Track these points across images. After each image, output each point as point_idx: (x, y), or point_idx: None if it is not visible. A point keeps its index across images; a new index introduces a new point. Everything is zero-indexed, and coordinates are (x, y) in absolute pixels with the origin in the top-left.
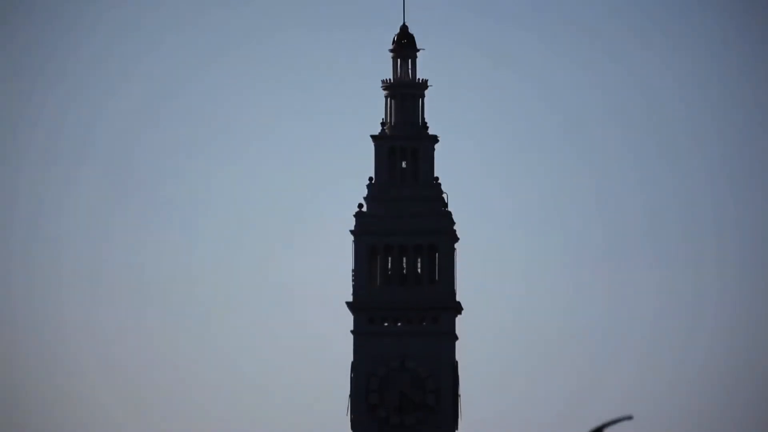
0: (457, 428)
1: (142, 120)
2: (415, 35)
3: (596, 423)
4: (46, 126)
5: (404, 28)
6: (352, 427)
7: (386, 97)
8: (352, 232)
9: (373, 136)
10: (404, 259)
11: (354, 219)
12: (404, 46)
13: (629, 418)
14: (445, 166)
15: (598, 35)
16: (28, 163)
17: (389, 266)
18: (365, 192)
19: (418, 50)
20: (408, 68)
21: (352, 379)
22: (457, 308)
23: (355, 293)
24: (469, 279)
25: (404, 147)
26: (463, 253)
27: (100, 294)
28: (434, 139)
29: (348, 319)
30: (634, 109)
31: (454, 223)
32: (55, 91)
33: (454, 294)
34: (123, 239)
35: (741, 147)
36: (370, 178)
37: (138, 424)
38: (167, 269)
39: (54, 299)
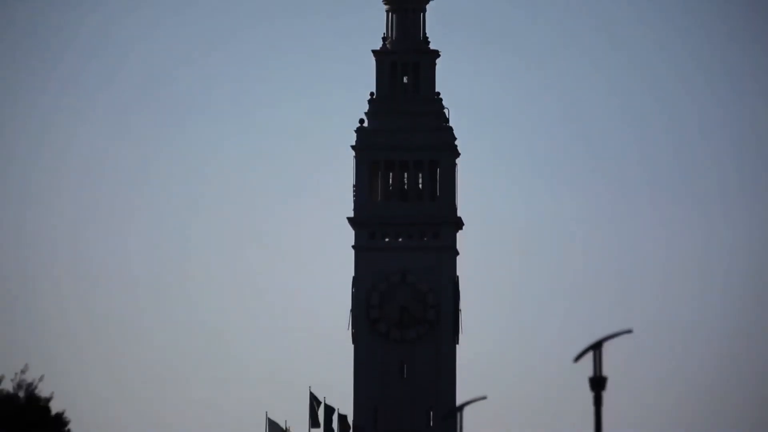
0: (457, 342)
1: None
2: None
3: (596, 337)
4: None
5: None
6: (354, 341)
7: (387, 12)
8: (353, 147)
9: (374, 51)
10: (405, 175)
11: (355, 134)
12: None
13: (629, 331)
14: (446, 82)
15: None
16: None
17: (390, 181)
18: (366, 107)
19: None
20: None
21: (353, 293)
22: (458, 223)
23: (356, 208)
24: (470, 194)
25: (405, 62)
26: (464, 168)
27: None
28: (435, 54)
29: (349, 235)
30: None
31: (455, 139)
32: (48, 78)
33: (455, 209)
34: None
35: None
36: (372, 94)
37: (146, 324)
38: (172, 188)
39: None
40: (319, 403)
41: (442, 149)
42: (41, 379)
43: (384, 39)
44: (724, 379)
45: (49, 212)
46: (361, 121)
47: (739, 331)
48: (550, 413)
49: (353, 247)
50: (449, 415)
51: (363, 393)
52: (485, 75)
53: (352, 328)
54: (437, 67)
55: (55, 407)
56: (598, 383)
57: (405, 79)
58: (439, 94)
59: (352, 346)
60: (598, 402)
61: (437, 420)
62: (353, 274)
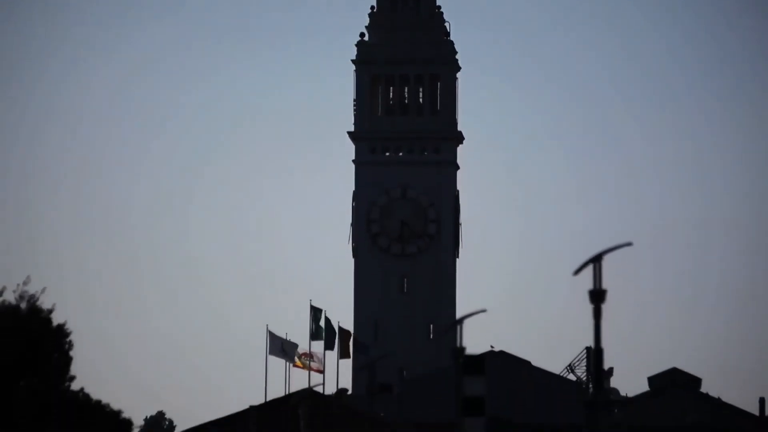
0: (457, 256)
1: None
2: None
3: (596, 250)
4: None
5: None
6: (354, 256)
7: None
8: (353, 61)
9: None
10: (406, 89)
11: (355, 48)
12: None
13: (629, 244)
14: None
15: None
16: None
17: (391, 96)
18: (367, 21)
19: None
20: None
21: (353, 208)
22: (459, 138)
23: (356, 123)
24: (470, 109)
25: None
26: (464, 82)
27: None
28: None
29: (349, 149)
30: None
31: (456, 53)
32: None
33: (455, 123)
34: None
35: None
36: (372, 7)
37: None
38: (177, 99)
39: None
40: (319, 316)
41: (443, 63)
42: (43, 291)
43: None
44: (724, 290)
45: (52, 129)
46: (362, 35)
47: (739, 243)
48: (549, 326)
49: (354, 161)
50: (449, 328)
51: (363, 306)
52: None
53: (353, 243)
54: None
55: (56, 319)
56: (597, 296)
57: None
58: (440, 7)
59: (353, 260)
60: (597, 314)
61: (437, 333)
62: (353, 189)
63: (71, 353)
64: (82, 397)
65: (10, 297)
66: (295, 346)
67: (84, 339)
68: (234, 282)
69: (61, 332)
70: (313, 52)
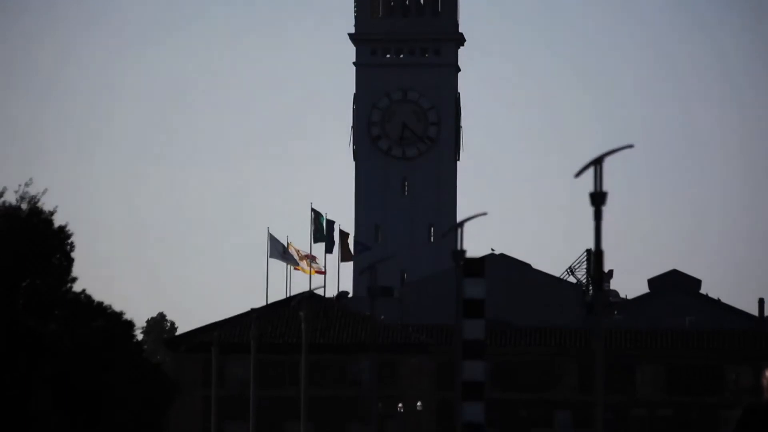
0: (458, 159)
1: None
2: None
3: (597, 152)
4: None
5: None
6: (355, 159)
7: None
8: None
9: None
10: None
11: None
12: None
13: (630, 146)
14: None
15: None
16: None
17: None
18: None
19: None
20: None
21: (354, 110)
22: (460, 40)
23: (357, 24)
24: (472, 10)
25: None
26: None
27: None
28: None
29: (350, 51)
30: None
31: None
32: None
33: (456, 25)
34: None
35: None
36: None
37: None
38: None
39: None
40: (320, 219)
41: None
42: (44, 192)
43: None
44: (724, 192)
45: (53, 30)
46: None
47: (739, 146)
48: (550, 229)
49: (354, 63)
50: (449, 231)
51: (364, 209)
52: None
53: (354, 145)
54: None
55: (58, 221)
56: (598, 198)
57: None
58: None
59: (354, 163)
60: (598, 217)
61: (437, 236)
62: (354, 91)
63: (72, 255)
64: (84, 298)
65: (11, 198)
66: (296, 261)
67: (85, 241)
68: (235, 185)
69: (63, 234)
70: None
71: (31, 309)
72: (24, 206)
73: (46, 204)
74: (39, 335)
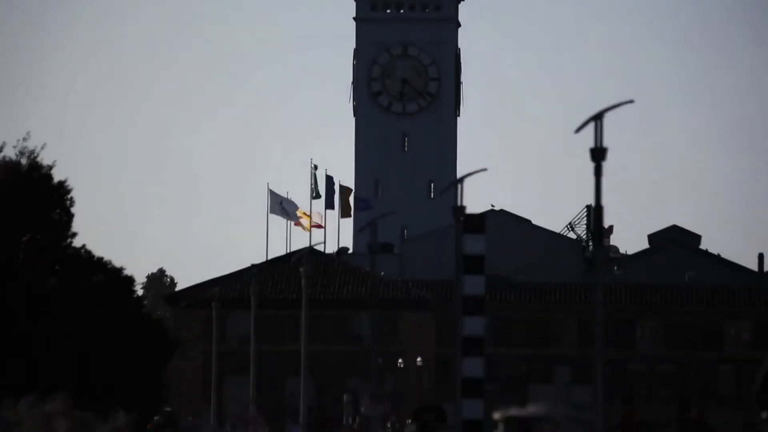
0: (458, 115)
1: None
2: None
3: (598, 108)
4: None
5: None
6: (355, 114)
7: None
8: None
9: None
10: None
11: None
12: None
13: (630, 101)
14: None
15: None
16: None
17: None
18: None
19: None
20: None
21: (354, 66)
22: None
23: None
24: None
25: None
26: None
27: None
28: None
29: (350, 6)
30: None
31: None
32: None
33: None
34: None
35: None
36: None
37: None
38: None
39: None
40: (317, 175)
41: None
42: (43, 147)
43: None
44: (725, 147)
45: None
46: None
47: (740, 100)
48: (550, 185)
49: (354, 18)
50: (449, 187)
51: (364, 165)
52: None
53: (354, 101)
54: None
55: (57, 176)
56: (598, 154)
57: None
58: None
59: (354, 118)
60: (598, 172)
61: (437, 192)
62: (354, 47)
63: (72, 210)
64: (84, 253)
65: (10, 153)
66: (296, 207)
67: (85, 196)
68: (235, 140)
69: (62, 189)
70: None
71: (31, 264)
72: (23, 161)
73: (44, 159)
74: (39, 289)
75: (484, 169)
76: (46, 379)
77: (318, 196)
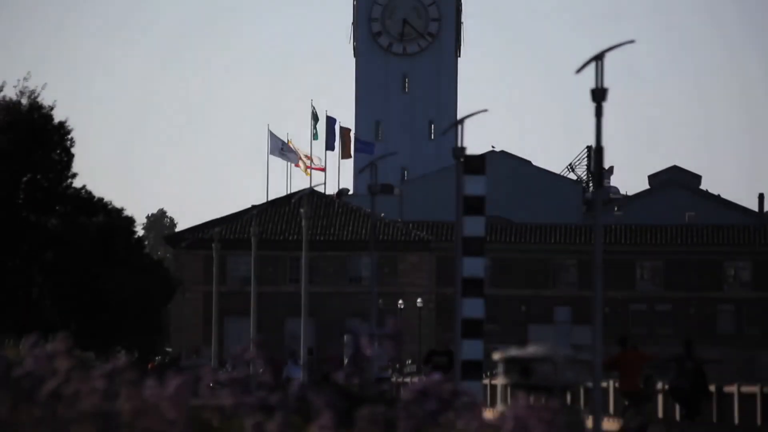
0: (459, 56)
1: None
2: None
3: (599, 48)
4: None
5: None
6: (355, 55)
7: None
8: None
9: None
10: None
11: None
12: None
13: (631, 42)
14: None
15: None
16: None
17: None
18: None
19: None
20: None
21: (354, 7)
22: None
23: None
24: None
25: None
26: None
27: None
28: None
29: None
30: None
31: None
32: None
33: None
34: None
35: None
36: None
37: None
38: None
39: None
40: (320, 116)
41: None
42: (44, 87)
43: None
44: (725, 88)
45: None
46: None
47: (741, 42)
48: (550, 126)
49: None
50: (450, 128)
51: (365, 106)
52: None
53: (354, 42)
54: None
55: (57, 116)
56: (599, 94)
57: None
58: None
59: (354, 60)
60: (598, 113)
61: (438, 133)
62: None
63: (73, 151)
64: (85, 194)
65: (10, 93)
66: (297, 156)
67: (86, 137)
68: (235, 82)
69: (63, 129)
70: None
71: (32, 204)
72: (24, 101)
73: (45, 99)
74: (40, 228)
75: (485, 110)
76: (47, 319)
77: (318, 137)
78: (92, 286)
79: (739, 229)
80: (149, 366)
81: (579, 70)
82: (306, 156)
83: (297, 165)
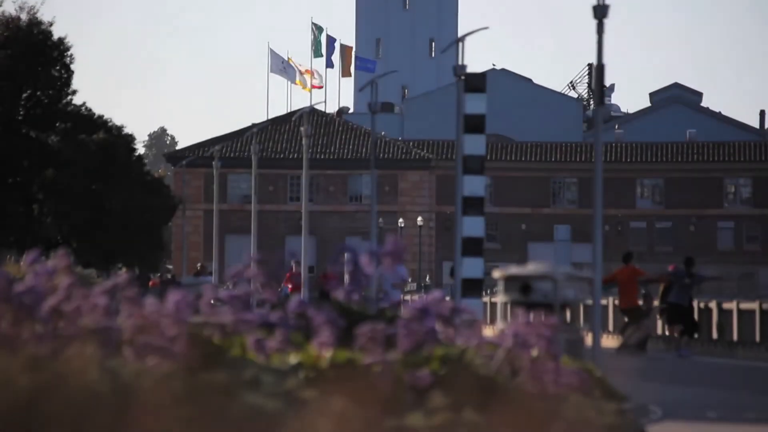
0: None
1: None
2: None
3: None
4: None
5: None
6: None
7: None
8: None
9: None
10: None
11: None
12: None
13: None
14: None
15: None
16: None
17: None
18: None
19: None
20: None
21: None
22: None
23: None
24: None
25: None
26: None
27: None
28: None
29: None
30: None
31: None
32: None
33: None
34: None
35: None
36: None
37: None
38: None
39: None
40: (320, 34)
41: None
42: (43, 2)
43: None
44: (726, 4)
45: None
46: None
47: None
48: (551, 43)
49: None
50: (450, 45)
51: (365, 24)
52: None
53: None
54: None
55: (57, 32)
56: (600, 11)
57: None
58: None
59: None
60: (600, 30)
61: (438, 51)
62: None
63: (72, 67)
64: (85, 111)
65: (9, 8)
66: (295, 72)
67: (85, 54)
68: (236, 0)
69: (62, 45)
70: None
71: (32, 121)
72: (23, 16)
73: (44, 15)
74: (41, 145)
75: (486, 28)
76: (47, 236)
77: (320, 54)
78: (93, 204)
79: (739, 145)
80: (150, 283)
81: None
82: (306, 71)
83: (296, 83)
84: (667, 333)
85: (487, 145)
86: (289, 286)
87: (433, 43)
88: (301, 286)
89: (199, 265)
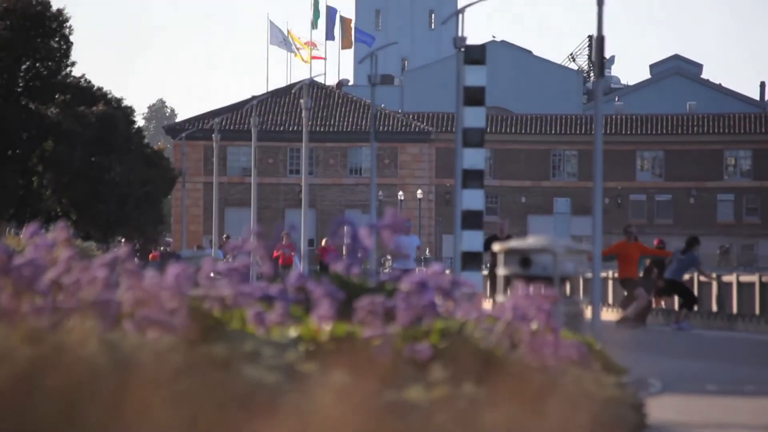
0: None
1: None
2: None
3: None
4: None
5: None
6: None
7: None
8: None
9: None
10: None
11: None
12: None
13: None
14: None
15: None
16: None
17: None
18: None
19: None
20: None
21: None
22: None
23: None
24: None
25: None
26: None
27: None
28: None
29: None
30: None
31: None
32: None
33: None
34: None
35: None
36: None
37: None
38: None
39: None
40: (319, 5)
41: None
42: None
43: None
44: None
45: None
46: None
47: None
48: (551, 15)
49: None
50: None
51: None
52: None
53: None
54: None
55: (55, 3)
56: None
57: None
58: None
59: None
60: (600, 2)
61: (438, 23)
62: None
63: (71, 39)
64: (84, 83)
65: None
66: (296, 49)
67: (85, 26)
68: None
69: (61, 17)
70: None
71: (31, 92)
72: None
73: None
74: (40, 117)
75: None
76: (47, 208)
77: (316, 27)
78: (92, 176)
79: (739, 117)
80: (150, 256)
81: None
82: (307, 43)
83: (296, 56)
84: (656, 306)
85: (486, 117)
86: (280, 258)
87: (433, 15)
88: (292, 259)
89: (225, 236)
